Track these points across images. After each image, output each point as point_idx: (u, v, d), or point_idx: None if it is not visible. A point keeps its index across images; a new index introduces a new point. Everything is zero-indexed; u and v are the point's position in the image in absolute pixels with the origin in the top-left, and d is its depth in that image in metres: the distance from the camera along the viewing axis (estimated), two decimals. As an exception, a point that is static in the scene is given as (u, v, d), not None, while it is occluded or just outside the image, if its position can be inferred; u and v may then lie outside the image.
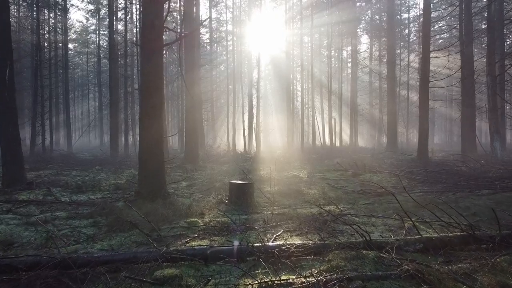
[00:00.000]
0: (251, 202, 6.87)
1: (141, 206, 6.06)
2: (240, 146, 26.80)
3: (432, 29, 37.31)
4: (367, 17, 37.53)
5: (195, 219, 5.36)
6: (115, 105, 20.07)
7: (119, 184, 9.13)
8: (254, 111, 26.96)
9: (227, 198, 7.12)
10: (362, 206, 7.05)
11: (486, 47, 19.47)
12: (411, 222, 5.01)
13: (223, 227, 5.05)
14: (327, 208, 6.80)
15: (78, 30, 45.20)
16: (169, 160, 16.70)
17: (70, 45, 48.79)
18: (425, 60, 14.24)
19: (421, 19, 35.57)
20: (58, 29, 28.27)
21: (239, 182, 6.98)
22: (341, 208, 6.69)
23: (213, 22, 39.04)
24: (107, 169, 13.41)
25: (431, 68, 36.09)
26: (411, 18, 35.87)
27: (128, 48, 21.77)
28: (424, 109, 14.19)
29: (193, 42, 14.26)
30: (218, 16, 39.89)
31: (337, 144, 31.06)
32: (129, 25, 25.23)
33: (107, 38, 31.56)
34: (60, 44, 29.46)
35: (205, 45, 39.04)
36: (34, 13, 18.08)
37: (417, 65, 34.31)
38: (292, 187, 8.67)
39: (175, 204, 6.26)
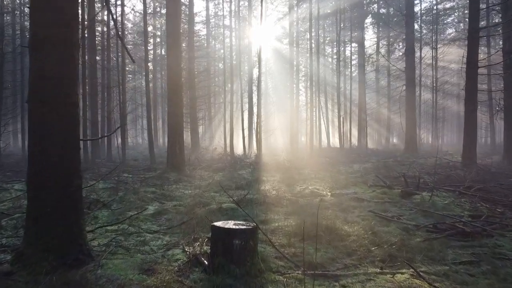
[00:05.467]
0: (252, 266, 3.43)
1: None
2: (239, 148, 23.32)
3: (447, 20, 33.95)
4: (374, 9, 34.07)
5: None
6: (92, 101, 16.60)
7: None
8: (255, 109, 23.54)
9: (209, 249, 3.69)
10: (461, 270, 3.62)
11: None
12: None
13: None
14: (401, 276, 3.40)
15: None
16: (151, 167, 13.28)
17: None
18: (472, 42, 10.81)
19: (434, 12, 32.24)
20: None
21: (232, 226, 3.52)
22: (432, 282, 3.26)
23: (211, 18, 35.64)
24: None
25: (443, 64, 32.68)
26: (423, 11, 32.37)
27: (112, 37, 18.26)
28: (472, 103, 10.76)
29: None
30: (216, 10, 36.46)
31: (344, 146, 27.60)
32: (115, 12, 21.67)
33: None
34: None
35: (203, 41, 35.61)
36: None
37: (430, 61, 30.95)
38: (317, 219, 5.20)
39: (87, 286, 2.80)
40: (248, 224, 3.64)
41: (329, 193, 7.61)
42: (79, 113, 3.34)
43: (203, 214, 5.60)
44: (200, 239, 4.33)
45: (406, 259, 3.88)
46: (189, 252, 3.84)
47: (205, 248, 3.96)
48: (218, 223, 3.63)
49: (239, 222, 3.75)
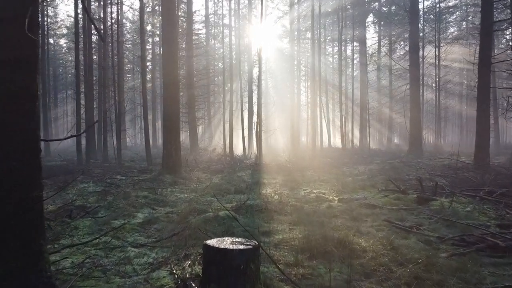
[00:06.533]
0: (254, 296, 2.78)
1: None
2: (238, 149, 22.65)
3: (449, 18, 33.32)
4: (375, 8, 33.41)
5: None
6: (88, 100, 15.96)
7: None
8: (255, 109, 22.89)
9: (201, 271, 3.02)
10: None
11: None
12: None
13: None
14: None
15: (68, 25, 41.02)
16: (146, 169, 12.61)
17: (62, 41, 45.00)
18: (485, 37, 10.15)
19: (437, 10, 31.59)
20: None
21: (228, 246, 2.86)
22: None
23: (210, 17, 35.00)
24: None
25: (446, 63, 32.01)
26: (426, 9, 31.73)
27: (110, 31, 17.56)
28: (485, 101, 10.12)
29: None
30: (216, 9, 35.79)
31: (346, 146, 26.92)
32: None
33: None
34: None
35: (202, 39, 34.95)
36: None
37: (432, 60, 30.32)
38: (327, 230, 4.54)
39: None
40: (248, 242, 2.98)
41: (336, 198, 6.95)
42: (39, 107, 2.68)
43: (197, 224, 4.95)
44: (192, 257, 3.67)
45: (436, 282, 3.23)
46: (177, 274, 3.19)
47: (197, 269, 3.30)
48: (212, 242, 2.97)
49: (237, 239, 3.10)
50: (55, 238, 4.34)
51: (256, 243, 3.00)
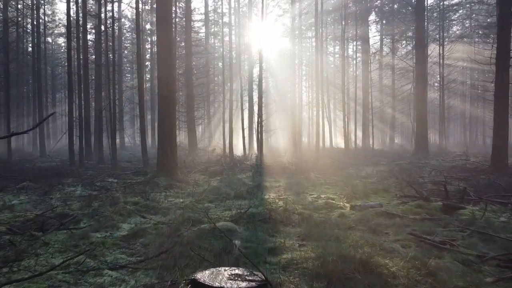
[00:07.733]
0: None
1: None
2: (238, 149, 21.86)
3: (453, 16, 32.58)
4: (377, 6, 32.62)
5: None
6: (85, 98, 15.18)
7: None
8: (255, 108, 22.10)
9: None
10: None
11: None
12: None
13: None
14: None
15: (67, 24, 40.24)
16: (141, 170, 11.83)
17: (60, 40, 44.36)
18: (503, 30, 9.39)
19: (441, 7, 30.80)
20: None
21: (225, 284, 2.08)
22: None
23: (210, 15, 34.21)
24: (31, 191, 8.38)
25: (450, 62, 31.22)
26: (429, 7, 30.92)
27: (107, 26, 16.76)
28: (503, 99, 9.34)
29: None
30: (216, 7, 35.02)
31: (349, 146, 26.13)
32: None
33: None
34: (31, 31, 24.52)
35: (201, 35, 34.18)
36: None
37: (436, 59, 29.57)
38: (344, 248, 3.75)
39: None
40: (251, 277, 2.21)
41: (347, 205, 6.18)
42: None
43: (190, 238, 4.18)
44: (181, 286, 2.90)
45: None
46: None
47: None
48: (204, 276, 2.20)
49: (236, 271, 2.32)
50: (16, 258, 3.56)
51: (263, 277, 2.22)
